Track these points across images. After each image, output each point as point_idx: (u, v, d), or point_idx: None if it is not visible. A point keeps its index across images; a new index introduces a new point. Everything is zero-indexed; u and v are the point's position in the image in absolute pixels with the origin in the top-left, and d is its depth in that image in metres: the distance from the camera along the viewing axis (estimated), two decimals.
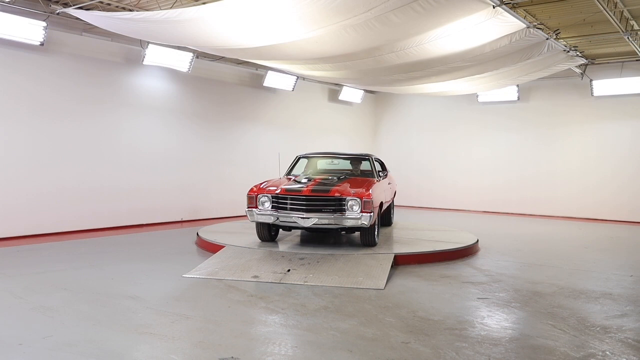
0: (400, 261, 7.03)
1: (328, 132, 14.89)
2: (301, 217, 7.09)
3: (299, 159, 9.16)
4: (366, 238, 7.48)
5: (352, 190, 7.18)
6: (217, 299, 5.29)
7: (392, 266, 6.61)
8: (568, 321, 4.75)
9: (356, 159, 9.07)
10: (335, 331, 4.35)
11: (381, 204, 7.96)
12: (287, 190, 7.24)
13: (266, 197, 7.34)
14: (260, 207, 7.34)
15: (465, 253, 7.81)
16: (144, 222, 10.40)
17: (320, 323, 4.56)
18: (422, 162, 15.68)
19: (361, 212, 7.00)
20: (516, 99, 13.76)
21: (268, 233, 7.75)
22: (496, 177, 14.29)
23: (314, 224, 7.07)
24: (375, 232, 7.61)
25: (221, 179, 11.97)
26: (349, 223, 7.05)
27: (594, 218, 12.81)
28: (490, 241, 9.17)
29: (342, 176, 8.21)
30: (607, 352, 4.00)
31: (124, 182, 10.06)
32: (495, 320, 4.79)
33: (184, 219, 11.19)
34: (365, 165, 8.91)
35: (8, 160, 8.46)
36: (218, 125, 11.96)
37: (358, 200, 7.03)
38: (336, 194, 7.09)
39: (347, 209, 7.04)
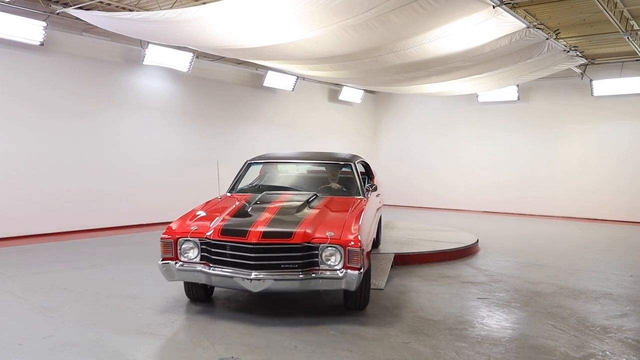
0: (400, 261, 7.02)
1: (328, 132, 14.89)
2: (246, 278, 4.36)
3: (249, 165, 6.39)
4: (352, 301, 4.84)
5: (329, 231, 4.52)
6: (217, 299, 5.29)
7: (392, 266, 6.60)
8: (568, 321, 4.75)
9: (333, 166, 6.35)
10: (335, 331, 4.35)
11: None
12: (224, 232, 4.56)
13: (191, 243, 4.63)
14: (183, 259, 4.64)
15: (465, 253, 7.81)
16: (144, 222, 10.39)
17: (320, 323, 4.55)
18: (422, 162, 15.67)
19: (345, 267, 4.37)
20: (516, 99, 13.75)
21: (203, 291, 5.11)
22: (496, 177, 14.28)
23: (267, 288, 4.38)
24: (367, 290, 4.88)
25: (221, 179, 11.94)
26: (323, 285, 4.45)
27: (594, 218, 12.80)
28: (490, 241, 9.16)
29: (312, 197, 5.46)
30: (607, 352, 4.00)
31: (124, 182, 10.05)
32: (495, 320, 4.79)
33: None
34: (346, 174, 6.33)
35: (8, 160, 8.45)
36: (218, 125, 11.95)
37: (339, 248, 4.40)
38: (304, 240, 4.42)
39: (322, 261, 4.42)
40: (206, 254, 4.59)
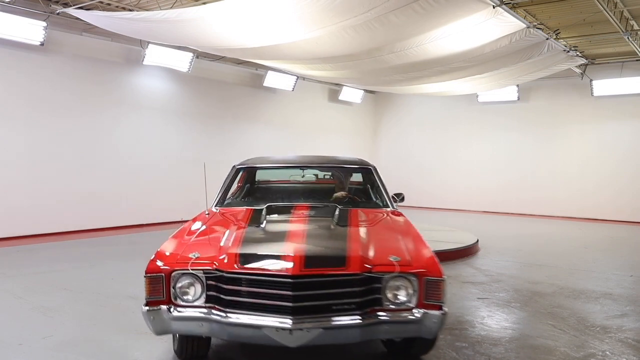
0: None
1: (328, 132, 14.89)
2: (283, 328, 2.99)
3: (238, 172, 5.15)
4: (418, 347, 3.69)
5: (392, 254, 3.31)
6: None
7: None
8: (568, 321, 4.75)
9: (348, 171, 5.29)
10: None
11: None
12: (244, 260, 3.20)
13: (192, 278, 3.21)
14: (180, 302, 3.22)
15: (465, 253, 7.80)
16: (144, 222, 10.39)
17: None
18: (422, 162, 15.67)
19: (420, 304, 3.15)
20: (516, 99, 13.75)
21: (205, 345, 3.74)
22: (496, 177, 14.28)
23: (312, 341, 3.03)
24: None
25: (221, 179, 11.94)
26: (391, 333, 3.26)
27: (594, 218, 12.80)
28: (490, 241, 9.16)
29: (332, 208, 4.27)
30: (607, 352, 4.00)
31: (124, 182, 10.05)
32: (495, 320, 4.78)
33: (184, 219, 11.18)
34: (361, 182, 5.40)
35: (8, 160, 8.45)
36: (218, 125, 11.96)
37: (411, 278, 3.17)
38: (363, 268, 3.13)
39: (386, 298, 3.16)
40: (215, 294, 3.13)
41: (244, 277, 3.11)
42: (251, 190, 5.29)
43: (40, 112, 8.83)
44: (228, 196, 4.91)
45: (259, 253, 3.30)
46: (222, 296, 3.13)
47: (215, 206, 4.70)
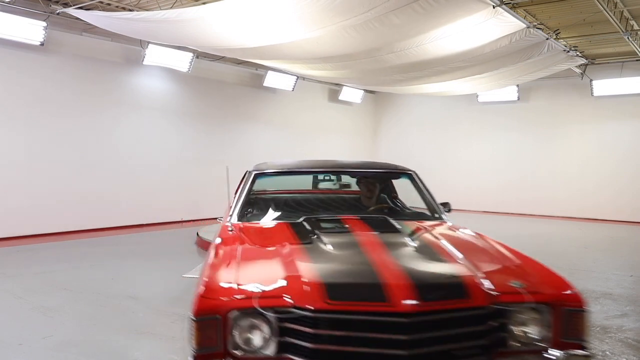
0: None
1: (328, 132, 14.88)
2: None
3: (257, 177, 4.15)
4: None
5: (511, 279, 2.53)
6: None
7: None
8: None
9: (382, 176, 4.67)
10: None
11: None
12: (334, 293, 2.29)
13: (257, 319, 2.27)
14: (239, 353, 2.26)
15: None
16: (144, 222, 10.39)
17: None
18: (422, 162, 15.58)
19: (555, 343, 2.38)
20: (516, 99, 13.75)
21: None
22: (496, 177, 14.28)
23: None
24: None
25: (221, 179, 11.95)
26: None
27: (594, 218, 12.79)
28: None
29: (384, 219, 3.57)
30: (607, 352, 4.00)
31: (124, 182, 10.05)
32: None
33: (184, 219, 11.20)
34: (395, 189, 4.75)
35: (8, 159, 8.45)
36: (218, 125, 11.96)
37: (543, 309, 2.41)
38: (489, 299, 2.35)
39: (512, 335, 2.37)
40: (293, 340, 2.27)
41: (338, 316, 2.24)
42: (266, 200, 4.37)
43: (40, 112, 8.83)
44: (247, 208, 3.97)
45: (350, 282, 2.46)
46: (304, 344, 2.23)
47: (234, 220, 3.69)
